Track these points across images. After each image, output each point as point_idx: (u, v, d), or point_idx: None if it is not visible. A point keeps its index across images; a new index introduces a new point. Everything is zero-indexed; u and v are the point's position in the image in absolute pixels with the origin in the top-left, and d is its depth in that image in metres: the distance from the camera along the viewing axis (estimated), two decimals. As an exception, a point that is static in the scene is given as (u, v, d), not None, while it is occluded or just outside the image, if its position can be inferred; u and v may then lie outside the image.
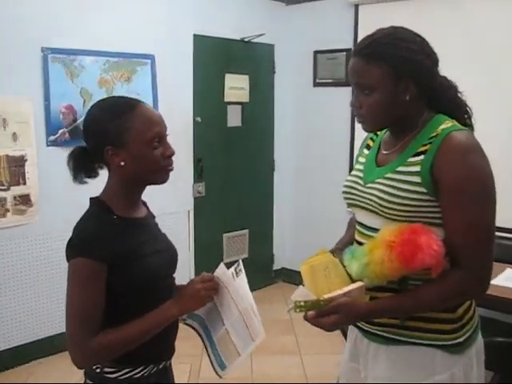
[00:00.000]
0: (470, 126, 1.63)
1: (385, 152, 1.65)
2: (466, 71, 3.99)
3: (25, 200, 3.53)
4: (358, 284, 1.50)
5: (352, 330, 1.77)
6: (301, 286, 1.54)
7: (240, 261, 1.68)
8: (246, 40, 4.93)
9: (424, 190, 1.47)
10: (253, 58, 5.04)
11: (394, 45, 1.50)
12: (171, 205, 4.57)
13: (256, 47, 5.02)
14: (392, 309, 1.51)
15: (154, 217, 1.80)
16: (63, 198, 3.51)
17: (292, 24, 5.16)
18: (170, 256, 1.72)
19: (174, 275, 1.74)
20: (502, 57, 3.97)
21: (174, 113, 4.43)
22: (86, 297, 1.48)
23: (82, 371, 1.63)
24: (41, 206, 3.58)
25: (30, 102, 3.59)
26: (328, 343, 3.73)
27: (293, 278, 5.10)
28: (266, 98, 5.26)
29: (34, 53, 3.64)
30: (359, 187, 1.65)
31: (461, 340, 1.55)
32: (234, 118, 5.03)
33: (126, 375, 1.59)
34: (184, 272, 4.73)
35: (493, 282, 2.71)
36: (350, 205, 1.71)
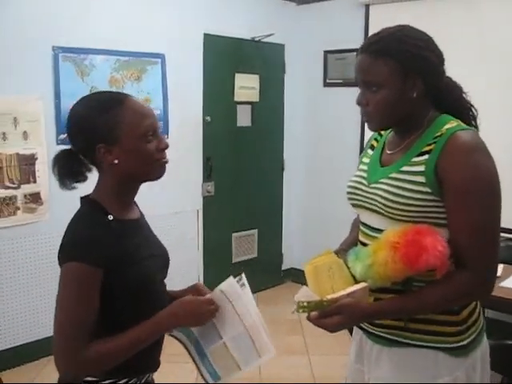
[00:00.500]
0: (475, 127, 1.62)
1: (389, 152, 1.64)
2: (478, 71, 3.98)
3: (35, 198, 3.55)
4: (362, 285, 1.49)
5: (357, 332, 1.76)
6: (304, 287, 1.53)
7: (243, 274, 1.60)
8: (256, 39, 4.92)
9: (428, 190, 1.46)
10: (263, 58, 5.03)
11: (401, 41, 1.50)
12: (180, 204, 4.59)
13: (266, 47, 5.01)
14: (396, 310, 1.51)
15: (143, 216, 1.72)
16: (73, 196, 3.50)
17: (302, 24, 5.15)
18: (163, 260, 1.66)
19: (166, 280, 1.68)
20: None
21: (183, 112, 4.47)
22: (79, 304, 1.40)
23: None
24: (51, 205, 3.60)
25: (40, 100, 3.60)
26: (336, 344, 3.72)
27: (301, 278, 5.01)
28: (276, 97, 5.25)
29: (44, 52, 3.65)
30: (363, 187, 1.64)
31: (465, 343, 1.54)
32: (243, 118, 5.03)
33: None
34: (192, 271, 4.75)
35: (503, 283, 2.72)
36: (354, 205, 1.70)
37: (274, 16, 5.06)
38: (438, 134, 1.50)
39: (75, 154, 1.52)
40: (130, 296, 1.48)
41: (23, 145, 3.53)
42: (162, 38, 4.27)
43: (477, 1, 4.05)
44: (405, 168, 1.52)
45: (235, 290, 1.55)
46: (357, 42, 4.70)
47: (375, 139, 1.76)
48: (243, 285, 1.57)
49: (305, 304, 1.44)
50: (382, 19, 4.41)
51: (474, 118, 1.63)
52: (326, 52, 4.97)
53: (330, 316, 1.43)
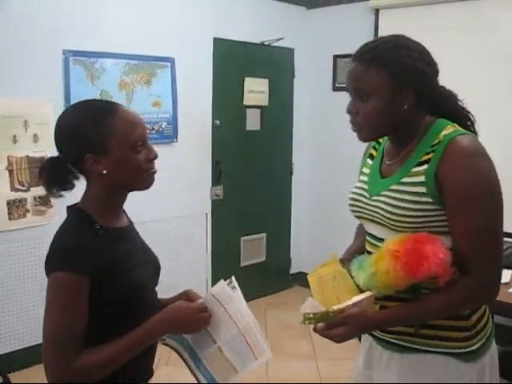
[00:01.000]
0: (474, 133, 1.60)
1: (388, 162, 1.62)
2: (488, 76, 3.96)
3: (44, 201, 3.57)
4: (367, 294, 1.48)
5: (366, 338, 1.76)
6: (310, 298, 1.52)
7: (233, 277, 1.59)
8: (265, 44, 4.93)
9: (429, 200, 1.45)
10: (272, 62, 5.04)
11: (395, 52, 1.48)
12: (189, 207, 4.60)
13: (276, 51, 5.02)
14: (402, 318, 1.50)
15: (132, 223, 1.69)
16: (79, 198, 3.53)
17: (312, 28, 5.15)
18: (154, 267, 1.64)
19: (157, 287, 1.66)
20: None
21: (193, 116, 4.49)
22: (66, 314, 1.38)
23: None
24: (60, 208, 3.57)
25: (50, 103, 3.61)
26: (344, 349, 3.64)
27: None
28: (285, 101, 5.25)
29: (55, 55, 3.68)
30: (365, 200, 1.63)
31: (474, 348, 1.53)
32: (252, 122, 5.04)
33: None
34: (201, 275, 4.76)
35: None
36: (357, 217, 1.70)
37: (283, 20, 5.07)
38: (436, 141, 1.47)
39: (63, 162, 1.50)
40: (121, 304, 1.46)
41: (33, 147, 3.55)
42: (171, 42, 4.29)
43: (487, 6, 4.03)
44: (405, 179, 1.51)
45: (227, 293, 1.54)
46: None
47: (373, 147, 1.74)
48: (234, 287, 1.56)
49: (311, 316, 1.44)
50: (392, 24, 4.42)
51: (472, 124, 1.61)
52: (336, 56, 4.97)
53: (336, 327, 1.42)
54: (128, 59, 4.02)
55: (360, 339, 1.84)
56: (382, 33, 4.51)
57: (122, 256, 1.49)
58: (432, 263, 1.36)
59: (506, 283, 2.79)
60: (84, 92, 3.75)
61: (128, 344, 1.42)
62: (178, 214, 4.52)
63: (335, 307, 1.45)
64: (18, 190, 3.51)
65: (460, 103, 1.61)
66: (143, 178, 1.50)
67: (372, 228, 1.63)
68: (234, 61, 4.77)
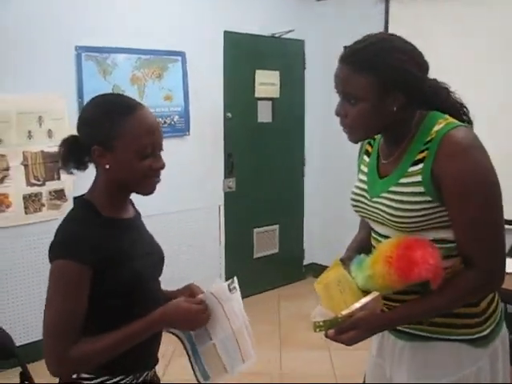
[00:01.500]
0: (469, 122, 1.60)
1: (384, 161, 1.62)
2: (501, 68, 3.94)
3: (59, 195, 3.63)
4: (374, 294, 1.50)
5: None
6: (319, 306, 1.55)
7: (235, 278, 1.61)
8: (276, 36, 4.94)
9: (429, 198, 1.46)
10: (283, 54, 5.04)
11: (383, 54, 1.44)
12: (201, 200, 4.64)
13: (286, 43, 5.03)
14: (410, 315, 1.52)
15: (139, 215, 1.72)
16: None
17: (322, 20, 5.15)
18: (157, 258, 1.66)
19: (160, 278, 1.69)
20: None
21: (204, 109, 4.51)
22: (67, 301, 1.40)
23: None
24: (75, 201, 3.66)
25: (64, 99, 3.67)
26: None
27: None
28: (297, 93, 5.26)
29: (68, 51, 3.73)
30: (366, 201, 1.64)
31: (485, 333, 1.55)
32: (264, 114, 5.05)
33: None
34: (214, 267, 4.80)
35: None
36: (360, 216, 1.72)
37: (293, 12, 5.07)
38: (428, 138, 1.47)
39: (80, 143, 1.51)
40: (123, 294, 1.48)
41: (48, 142, 3.60)
42: (182, 36, 4.31)
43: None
44: (402, 180, 1.51)
45: (226, 294, 1.56)
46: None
47: (369, 143, 1.74)
48: (234, 288, 1.59)
49: (321, 323, 1.46)
50: (402, 14, 4.41)
51: (466, 114, 1.60)
52: (346, 47, 4.94)
53: (346, 332, 1.45)
54: (139, 54, 4.06)
55: None
56: (392, 23, 4.51)
57: (125, 246, 1.51)
58: (422, 269, 1.39)
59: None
60: (96, 87, 3.80)
61: (127, 335, 1.44)
62: (191, 207, 4.56)
63: (344, 312, 1.47)
64: (34, 185, 3.57)
65: (452, 95, 1.60)
66: (144, 184, 1.51)
67: (376, 226, 1.65)
68: (245, 53, 4.79)
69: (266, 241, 5.24)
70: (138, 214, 1.70)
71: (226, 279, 4.97)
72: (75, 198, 1.56)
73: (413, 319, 1.55)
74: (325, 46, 5.17)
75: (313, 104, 5.35)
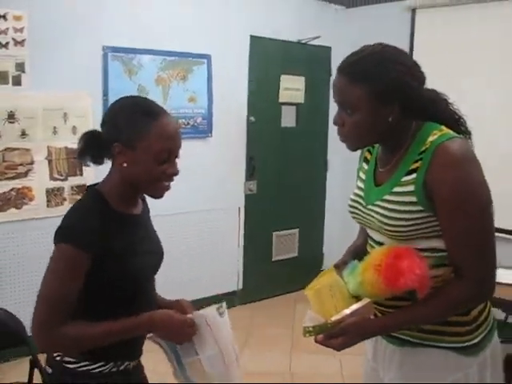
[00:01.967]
0: (466, 134, 1.60)
1: (381, 169, 1.64)
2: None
3: (81, 190, 3.72)
4: (365, 301, 1.52)
5: None
6: (309, 311, 1.57)
7: (224, 303, 1.67)
8: (303, 42, 4.97)
9: (421, 208, 1.47)
10: (309, 60, 5.07)
11: (378, 66, 1.46)
12: (222, 201, 4.69)
13: (313, 49, 5.05)
14: (399, 323, 1.54)
15: (148, 212, 1.78)
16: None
17: (349, 27, 5.16)
18: (157, 258, 1.71)
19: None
20: None
21: (228, 112, 4.57)
22: (62, 283, 1.47)
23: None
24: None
25: (89, 97, 3.78)
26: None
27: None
28: (321, 99, 5.27)
29: (95, 51, 3.84)
30: (361, 208, 1.66)
31: (475, 341, 1.55)
32: (288, 119, 5.09)
33: (84, 368, 1.56)
34: (232, 267, 4.85)
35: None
36: (357, 222, 1.74)
37: (321, 19, 5.10)
38: (423, 148, 1.48)
39: (100, 137, 1.57)
40: (119, 288, 1.54)
41: (72, 139, 3.70)
42: (208, 39, 4.39)
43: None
44: (396, 189, 1.53)
45: (215, 317, 1.62)
46: (403, 46, 4.70)
47: (368, 150, 1.76)
48: (223, 313, 1.64)
49: (310, 329, 1.49)
50: (428, 24, 4.41)
51: (464, 125, 1.61)
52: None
53: (335, 337, 1.47)
54: (165, 55, 4.14)
55: None
56: (419, 33, 4.51)
57: (127, 241, 1.56)
58: (408, 279, 1.41)
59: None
60: (122, 87, 3.90)
61: (112, 331, 1.50)
62: (211, 208, 4.63)
63: (333, 318, 1.49)
64: (57, 180, 3.68)
65: (450, 106, 1.61)
66: (155, 188, 1.57)
67: (371, 232, 1.67)
68: (271, 58, 4.83)
69: (285, 244, 5.26)
70: (146, 211, 1.76)
71: (244, 280, 5.03)
72: (88, 187, 1.62)
73: (402, 327, 1.57)
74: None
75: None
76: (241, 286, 4.86)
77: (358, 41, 5.69)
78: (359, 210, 1.68)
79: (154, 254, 1.69)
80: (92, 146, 1.57)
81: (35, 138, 3.60)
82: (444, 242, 1.50)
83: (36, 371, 2.32)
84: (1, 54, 3.48)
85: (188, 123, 4.31)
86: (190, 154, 4.38)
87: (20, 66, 3.55)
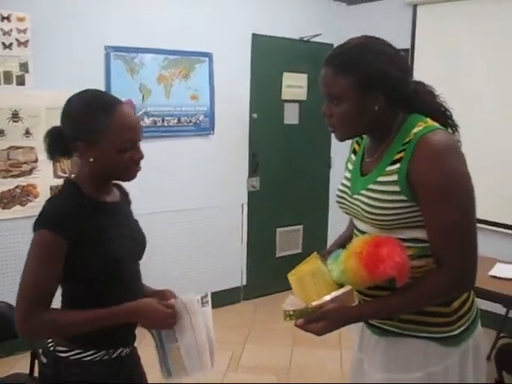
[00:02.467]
0: (453, 126, 1.63)
1: (367, 160, 1.67)
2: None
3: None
4: (346, 288, 1.54)
5: (359, 323, 1.80)
6: (290, 296, 1.59)
7: (209, 292, 1.72)
8: (304, 39, 5.00)
9: (403, 198, 1.50)
10: (312, 57, 5.07)
11: (362, 56, 1.51)
12: (225, 198, 4.74)
13: (315, 47, 5.06)
14: (379, 311, 1.57)
15: (129, 203, 1.84)
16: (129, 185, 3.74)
17: (351, 24, 5.16)
18: (136, 242, 1.74)
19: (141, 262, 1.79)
20: None
21: (230, 109, 4.61)
22: (41, 269, 1.52)
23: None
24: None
25: (92, 96, 3.83)
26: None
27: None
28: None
29: (97, 50, 3.89)
30: (348, 197, 1.69)
31: (455, 333, 1.58)
32: (290, 116, 5.12)
33: (76, 356, 1.60)
34: (235, 264, 4.89)
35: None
36: (344, 213, 1.76)
37: (322, 16, 5.13)
38: (407, 139, 1.51)
39: (64, 136, 1.61)
40: (99, 271, 1.58)
41: (75, 137, 3.76)
42: (210, 37, 4.42)
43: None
44: (380, 178, 1.56)
45: (194, 306, 1.66)
46: (405, 41, 4.77)
47: (357, 142, 1.80)
48: (207, 302, 1.69)
49: (291, 312, 1.51)
50: (430, 19, 4.42)
51: (450, 118, 1.64)
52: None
53: (315, 322, 1.49)
54: (167, 54, 4.19)
55: None
56: (420, 28, 4.52)
57: (101, 227, 1.61)
58: (387, 266, 1.43)
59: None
60: (124, 85, 3.97)
61: (94, 319, 1.54)
62: (214, 205, 4.67)
63: (314, 303, 1.51)
64: (61, 177, 3.73)
65: (437, 99, 1.64)
66: (126, 174, 1.63)
67: (357, 222, 1.70)
68: (273, 56, 4.86)
69: (289, 241, 5.30)
70: (126, 202, 1.82)
71: (248, 276, 5.05)
72: (65, 180, 1.69)
73: (382, 315, 1.60)
74: (353, 49, 5.20)
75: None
76: (245, 282, 4.90)
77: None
78: (345, 199, 1.71)
79: (132, 240, 1.72)
80: (57, 144, 1.61)
81: (39, 136, 3.62)
82: (426, 232, 1.52)
83: (37, 363, 2.38)
84: (5, 55, 3.55)
85: (190, 121, 4.36)
86: (192, 151, 4.47)
87: (23, 66, 3.62)
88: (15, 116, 3.61)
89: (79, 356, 1.61)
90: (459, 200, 1.47)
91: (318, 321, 1.49)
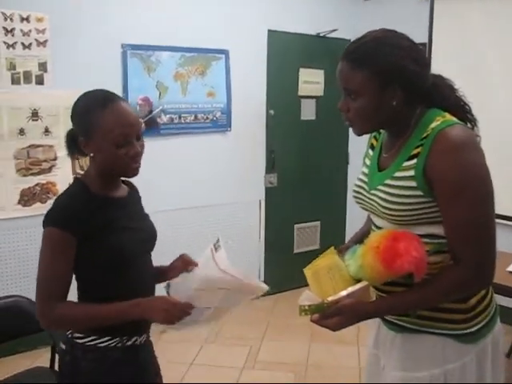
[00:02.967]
0: (471, 121, 1.62)
1: (385, 155, 1.66)
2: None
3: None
4: (363, 284, 1.53)
5: (375, 319, 1.79)
6: (306, 291, 1.58)
7: (219, 236, 1.73)
8: (321, 35, 4.99)
9: (420, 193, 1.49)
10: (328, 53, 5.06)
11: (378, 50, 1.49)
12: (242, 194, 4.75)
13: (331, 42, 5.04)
14: (396, 307, 1.56)
15: (139, 198, 1.89)
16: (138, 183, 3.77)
17: (368, 19, 5.13)
18: (144, 235, 1.78)
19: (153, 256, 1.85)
20: None
21: (247, 106, 4.62)
22: (52, 264, 1.60)
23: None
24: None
25: (110, 94, 3.86)
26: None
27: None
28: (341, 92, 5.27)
29: (114, 49, 3.93)
30: (365, 193, 1.68)
31: (473, 330, 1.56)
32: (307, 112, 5.11)
33: (92, 342, 1.67)
34: (253, 261, 4.90)
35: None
36: (361, 207, 1.75)
37: (339, 11, 5.11)
38: (425, 134, 1.50)
39: (76, 136, 1.69)
40: (106, 265, 1.64)
41: (93, 135, 3.80)
42: (226, 34, 4.43)
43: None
44: (397, 174, 1.55)
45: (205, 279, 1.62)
46: (422, 35, 4.73)
47: (374, 137, 1.79)
48: (219, 246, 1.69)
49: (306, 307, 1.50)
50: (447, 12, 4.38)
51: (469, 113, 1.62)
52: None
53: (331, 317, 1.49)
54: (183, 51, 4.21)
55: None
56: (437, 22, 4.48)
57: (107, 220, 1.66)
58: (404, 261, 1.42)
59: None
60: (141, 83, 4.00)
61: (106, 313, 1.60)
62: (232, 201, 4.69)
63: (330, 298, 1.50)
64: (79, 174, 3.78)
65: (456, 92, 1.62)
66: (124, 170, 1.67)
67: (374, 218, 1.70)
68: (289, 52, 4.86)
69: (307, 237, 5.30)
70: (135, 197, 1.88)
71: (265, 273, 5.05)
72: (74, 178, 1.76)
73: (398, 310, 1.60)
74: (370, 45, 5.17)
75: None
76: (262, 279, 4.91)
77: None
78: (363, 195, 1.70)
79: (142, 232, 1.77)
80: (72, 144, 1.71)
81: (58, 134, 3.71)
82: (443, 228, 1.50)
83: (57, 357, 2.41)
84: (24, 55, 3.60)
85: (207, 118, 4.38)
86: (209, 148, 4.49)
87: (42, 66, 3.66)
88: (35, 115, 3.66)
89: (94, 342, 1.68)
90: (477, 195, 1.45)
91: (334, 316, 1.48)
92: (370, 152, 1.78)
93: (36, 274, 1.64)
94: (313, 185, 5.24)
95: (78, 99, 1.69)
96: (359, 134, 1.64)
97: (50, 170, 3.73)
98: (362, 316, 1.53)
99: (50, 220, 1.61)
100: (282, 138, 4.94)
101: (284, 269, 5.01)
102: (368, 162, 1.76)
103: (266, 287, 1.68)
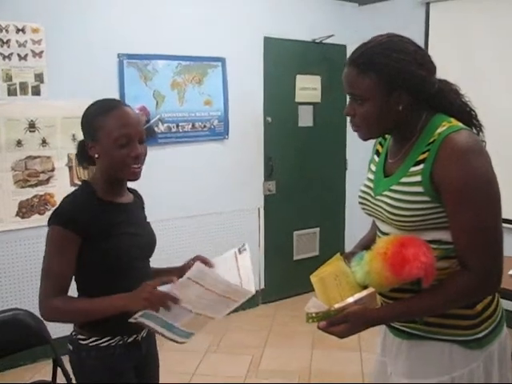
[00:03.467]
0: (477, 126, 1.61)
1: (391, 160, 1.65)
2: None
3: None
4: (369, 290, 1.52)
5: (382, 326, 1.79)
6: (313, 297, 1.57)
7: (246, 244, 1.85)
8: (317, 41, 4.99)
9: (427, 199, 1.48)
10: (325, 59, 5.08)
11: (384, 56, 1.49)
12: (241, 202, 4.74)
13: (328, 48, 5.06)
14: (402, 313, 1.55)
15: (143, 206, 1.97)
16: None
17: (363, 24, 5.15)
18: (144, 241, 1.86)
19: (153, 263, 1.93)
20: None
21: (244, 113, 4.61)
22: (54, 261, 1.69)
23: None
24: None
25: (106, 104, 3.86)
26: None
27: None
28: (338, 98, 5.23)
29: (110, 58, 3.92)
30: (370, 199, 1.67)
31: (480, 335, 1.55)
32: (305, 118, 5.11)
33: (94, 343, 1.77)
34: (253, 268, 4.82)
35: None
36: (366, 214, 1.74)
37: (334, 17, 5.11)
38: (431, 140, 1.50)
39: (85, 144, 1.80)
40: (105, 267, 1.73)
41: (91, 145, 3.80)
42: (222, 42, 4.43)
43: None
44: (403, 179, 1.54)
45: (203, 272, 1.61)
46: (418, 40, 4.72)
47: (380, 143, 1.78)
48: (244, 250, 1.81)
49: (313, 315, 1.49)
50: (443, 17, 4.39)
51: (475, 118, 1.62)
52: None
53: (337, 324, 1.48)
54: (180, 60, 4.20)
55: None
56: (433, 27, 4.49)
57: (109, 224, 1.75)
58: (413, 267, 1.41)
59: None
60: (138, 92, 3.99)
61: (90, 306, 1.69)
62: (231, 209, 4.68)
63: (337, 305, 1.50)
64: (77, 185, 3.75)
65: (461, 97, 1.61)
66: (125, 171, 1.75)
67: (380, 224, 1.69)
68: (286, 59, 4.86)
69: (306, 244, 5.29)
70: (138, 204, 1.97)
71: (265, 280, 5.03)
72: (82, 181, 1.86)
73: (405, 317, 1.58)
74: (366, 50, 5.18)
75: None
76: (262, 286, 4.90)
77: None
78: (368, 201, 1.69)
79: (141, 238, 1.85)
80: (82, 152, 1.82)
81: (55, 145, 3.70)
82: (450, 234, 1.49)
83: (59, 370, 2.39)
84: (20, 66, 3.59)
85: (205, 126, 4.37)
86: (207, 156, 4.48)
87: (39, 77, 3.65)
88: (32, 126, 3.64)
89: (96, 343, 1.78)
90: (484, 201, 1.44)
91: (341, 323, 1.48)
92: (376, 158, 1.77)
93: (36, 285, 1.71)
94: (311, 191, 5.23)
95: (87, 107, 1.81)
96: (365, 139, 1.64)
97: (47, 181, 3.71)
98: (369, 323, 1.53)
99: (54, 218, 1.69)
100: (280, 145, 4.93)
101: (284, 276, 5.01)
102: (374, 167, 1.75)
103: (252, 291, 1.72)
